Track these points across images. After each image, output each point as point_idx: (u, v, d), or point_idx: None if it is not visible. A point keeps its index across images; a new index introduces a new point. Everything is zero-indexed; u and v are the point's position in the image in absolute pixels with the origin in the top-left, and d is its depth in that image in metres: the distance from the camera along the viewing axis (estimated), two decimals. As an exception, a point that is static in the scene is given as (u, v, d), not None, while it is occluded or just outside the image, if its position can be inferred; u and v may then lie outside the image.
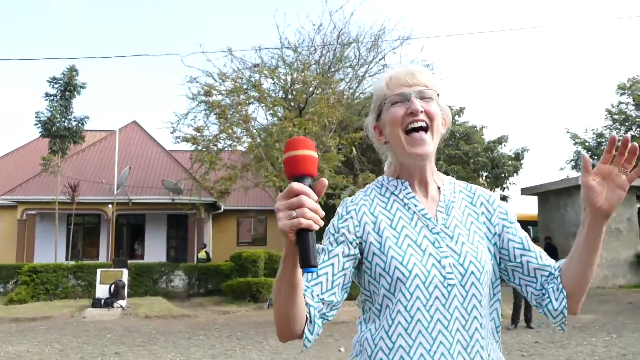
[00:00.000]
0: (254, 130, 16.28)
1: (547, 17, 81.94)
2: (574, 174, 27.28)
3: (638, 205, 23.18)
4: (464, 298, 1.56)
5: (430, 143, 1.62)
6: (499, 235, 1.69)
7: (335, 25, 21.57)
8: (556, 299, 1.58)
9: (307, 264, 1.29)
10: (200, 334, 11.19)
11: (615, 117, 28.14)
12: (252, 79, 17.50)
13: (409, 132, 1.61)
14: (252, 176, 14.01)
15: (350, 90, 20.72)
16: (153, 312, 14.40)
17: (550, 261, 1.67)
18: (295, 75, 18.12)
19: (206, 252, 23.82)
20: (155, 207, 25.24)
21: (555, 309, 1.58)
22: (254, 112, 17.85)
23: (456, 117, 24.20)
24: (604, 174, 1.48)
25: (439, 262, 1.57)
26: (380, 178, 1.77)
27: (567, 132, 30.59)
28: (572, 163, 28.86)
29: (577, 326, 11.25)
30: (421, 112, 1.60)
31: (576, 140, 28.99)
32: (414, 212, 1.65)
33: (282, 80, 19.91)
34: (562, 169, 31.70)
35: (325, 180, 1.33)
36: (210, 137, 16.61)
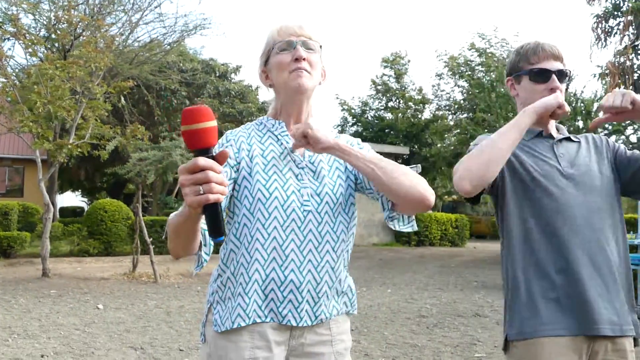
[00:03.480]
0: (10, 70, 14.67)
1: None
2: (340, 138, 28.80)
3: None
4: (319, 223, 1.78)
5: (311, 80, 1.83)
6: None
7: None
8: (384, 209, 1.91)
9: (218, 234, 1.34)
10: None
11: (379, 87, 30.22)
12: (9, 12, 15.73)
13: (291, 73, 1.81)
14: (5, 120, 12.61)
15: (123, 37, 19.60)
16: None
17: None
18: (60, 13, 16.62)
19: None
20: None
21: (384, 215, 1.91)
22: (10, 49, 16.11)
23: (232, 75, 24.18)
24: None
25: (299, 190, 1.79)
26: (260, 118, 1.96)
27: (337, 98, 32.29)
28: (339, 128, 30.50)
29: (333, 280, 12.00)
30: (304, 59, 1.80)
31: (344, 106, 30.66)
32: (285, 148, 1.85)
33: (45, 18, 18.16)
34: (329, 133, 33.52)
35: (227, 152, 1.38)
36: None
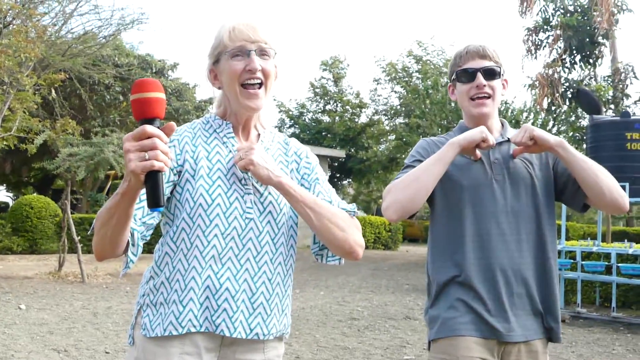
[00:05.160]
0: None
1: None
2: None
3: (329, 173, 25.41)
4: (260, 232, 1.74)
5: (263, 97, 1.77)
6: (301, 180, 1.89)
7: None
8: (313, 242, 1.95)
9: (157, 204, 1.36)
10: None
11: (317, 90, 30.34)
12: None
13: (244, 85, 1.73)
14: None
15: (55, 27, 18.96)
16: None
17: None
18: (-12, 0, 15.96)
19: None
20: None
21: (311, 247, 1.97)
22: None
23: (169, 72, 23.77)
24: None
25: (242, 197, 1.73)
26: (207, 116, 1.88)
27: (274, 99, 32.22)
28: (276, 129, 30.44)
29: (266, 282, 11.95)
30: (259, 70, 1.72)
31: (281, 108, 30.64)
32: (230, 151, 1.78)
33: (-29, 3, 17.37)
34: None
35: (173, 124, 1.39)
36: None
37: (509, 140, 2.20)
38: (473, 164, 2.15)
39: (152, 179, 1.35)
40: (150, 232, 1.71)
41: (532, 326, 2.12)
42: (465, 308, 2.08)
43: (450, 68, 2.26)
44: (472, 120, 2.23)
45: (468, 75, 2.17)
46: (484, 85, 2.15)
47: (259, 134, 1.88)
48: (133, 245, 1.64)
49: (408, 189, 2.06)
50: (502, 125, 2.29)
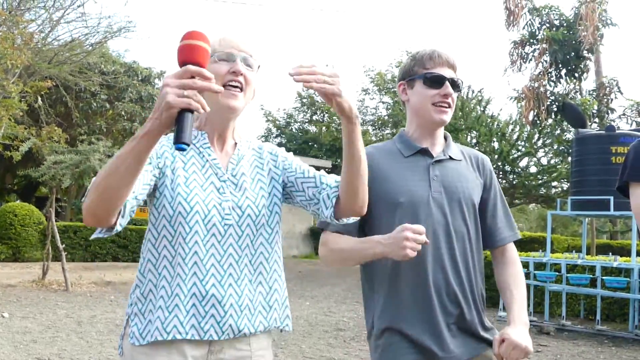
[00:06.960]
0: None
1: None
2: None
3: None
4: (239, 237, 1.79)
5: (242, 100, 1.81)
6: (285, 172, 1.93)
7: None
8: (326, 207, 1.83)
9: (184, 141, 1.34)
10: None
11: (304, 100, 30.39)
12: None
13: (225, 87, 1.76)
14: None
15: (42, 35, 18.87)
16: None
17: (329, 180, 1.88)
18: (-25, 6, 15.86)
19: None
20: None
21: (324, 214, 1.84)
22: None
23: (155, 81, 23.72)
24: None
25: (220, 204, 1.78)
26: None
27: (262, 108, 32.21)
28: (263, 138, 30.44)
29: (252, 292, 11.89)
30: (241, 74, 1.79)
31: (269, 117, 30.65)
32: (207, 161, 1.83)
33: (-43, 9, 17.25)
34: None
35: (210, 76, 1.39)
36: None
37: (450, 158, 2.17)
38: (411, 180, 2.11)
39: (184, 116, 1.36)
40: (135, 209, 1.68)
41: (471, 344, 2.09)
42: (399, 336, 2.06)
43: (411, 67, 2.18)
44: (426, 125, 2.16)
45: (437, 81, 2.11)
46: (449, 96, 2.12)
47: (235, 144, 1.92)
48: (123, 216, 1.60)
49: (336, 262, 2.33)
50: (446, 139, 2.24)
